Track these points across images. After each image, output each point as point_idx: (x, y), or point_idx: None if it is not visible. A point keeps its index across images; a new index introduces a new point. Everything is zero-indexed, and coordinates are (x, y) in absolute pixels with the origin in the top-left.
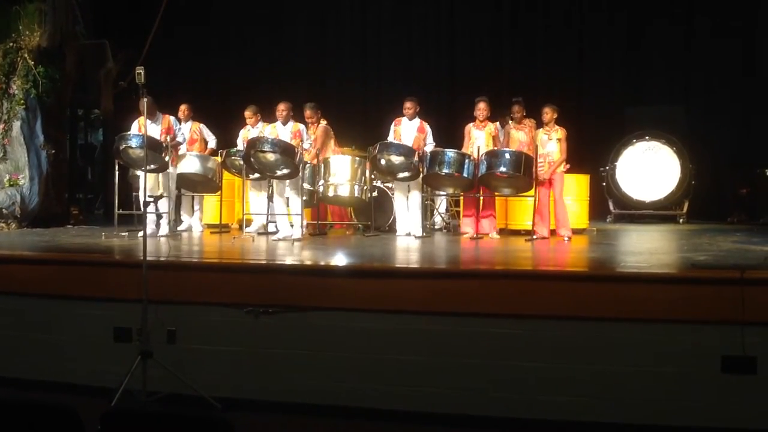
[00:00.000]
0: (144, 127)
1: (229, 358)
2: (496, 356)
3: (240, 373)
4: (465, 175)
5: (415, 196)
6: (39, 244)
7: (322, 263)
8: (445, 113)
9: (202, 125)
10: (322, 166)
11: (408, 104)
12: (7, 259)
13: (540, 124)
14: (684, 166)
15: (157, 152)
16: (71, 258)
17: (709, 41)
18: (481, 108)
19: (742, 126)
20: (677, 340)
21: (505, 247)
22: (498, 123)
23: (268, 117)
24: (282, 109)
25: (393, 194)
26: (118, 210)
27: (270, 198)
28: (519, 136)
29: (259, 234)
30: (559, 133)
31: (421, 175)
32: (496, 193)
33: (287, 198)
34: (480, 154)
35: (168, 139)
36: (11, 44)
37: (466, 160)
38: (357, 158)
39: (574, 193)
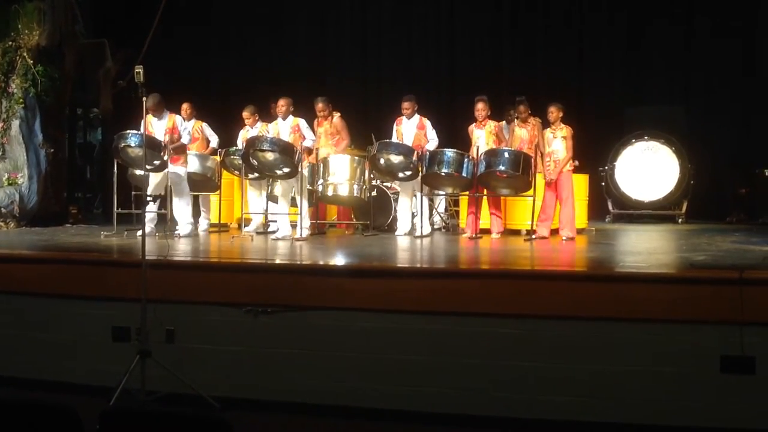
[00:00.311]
0: (149, 125)
1: (228, 357)
2: (496, 356)
3: (239, 373)
4: (464, 174)
5: (418, 197)
6: (38, 243)
7: (322, 263)
8: (445, 113)
9: (204, 124)
10: (321, 165)
11: (406, 104)
12: (5, 258)
13: (545, 122)
14: (683, 166)
15: (156, 151)
16: (70, 257)
17: (709, 41)
18: (480, 108)
19: (742, 126)
20: (676, 340)
21: (505, 247)
22: (504, 122)
23: (266, 117)
24: (282, 104)
25: (393, 195)
26: (117, 209)
27: (269, 197)
28: (521, 133)
29: (258, 233)
30: (564, 131)
31: (420, 175)
32: (494, 193)
33: (292, 198)
34: (479, 154)
35: (168, 139)
36: (10, 43)
37: (465, 160)
38: (356, 158)
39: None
